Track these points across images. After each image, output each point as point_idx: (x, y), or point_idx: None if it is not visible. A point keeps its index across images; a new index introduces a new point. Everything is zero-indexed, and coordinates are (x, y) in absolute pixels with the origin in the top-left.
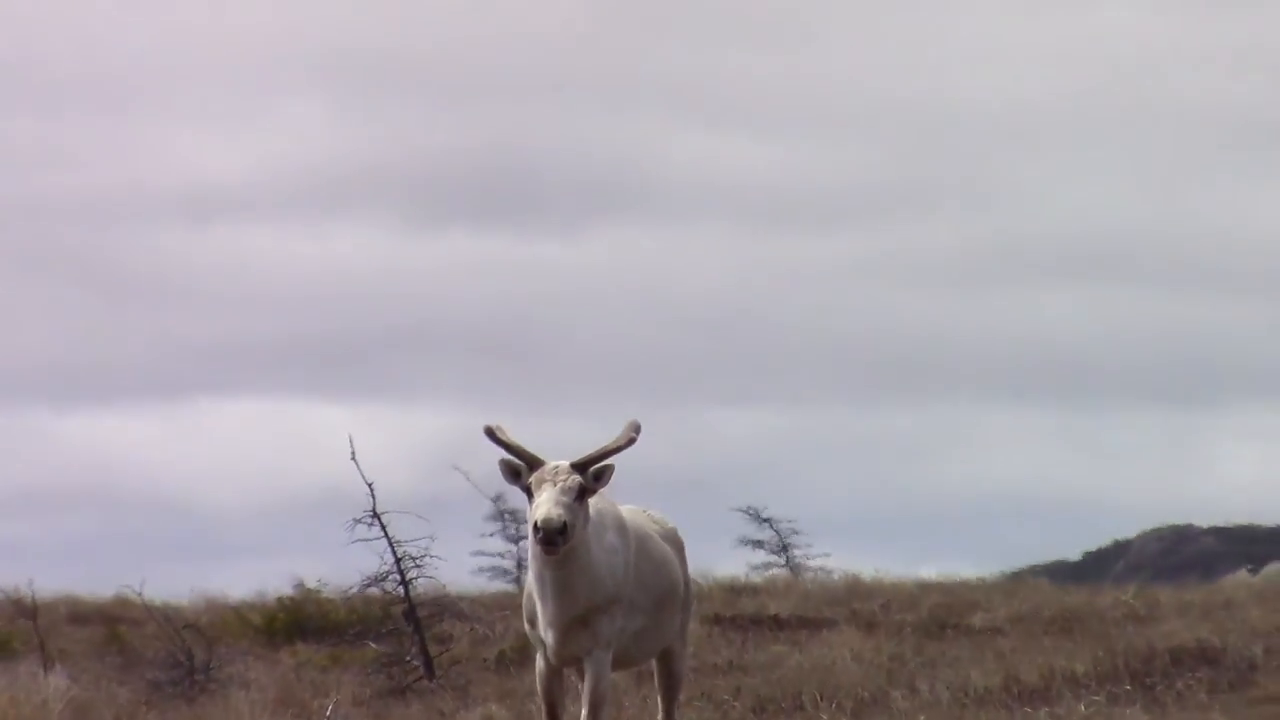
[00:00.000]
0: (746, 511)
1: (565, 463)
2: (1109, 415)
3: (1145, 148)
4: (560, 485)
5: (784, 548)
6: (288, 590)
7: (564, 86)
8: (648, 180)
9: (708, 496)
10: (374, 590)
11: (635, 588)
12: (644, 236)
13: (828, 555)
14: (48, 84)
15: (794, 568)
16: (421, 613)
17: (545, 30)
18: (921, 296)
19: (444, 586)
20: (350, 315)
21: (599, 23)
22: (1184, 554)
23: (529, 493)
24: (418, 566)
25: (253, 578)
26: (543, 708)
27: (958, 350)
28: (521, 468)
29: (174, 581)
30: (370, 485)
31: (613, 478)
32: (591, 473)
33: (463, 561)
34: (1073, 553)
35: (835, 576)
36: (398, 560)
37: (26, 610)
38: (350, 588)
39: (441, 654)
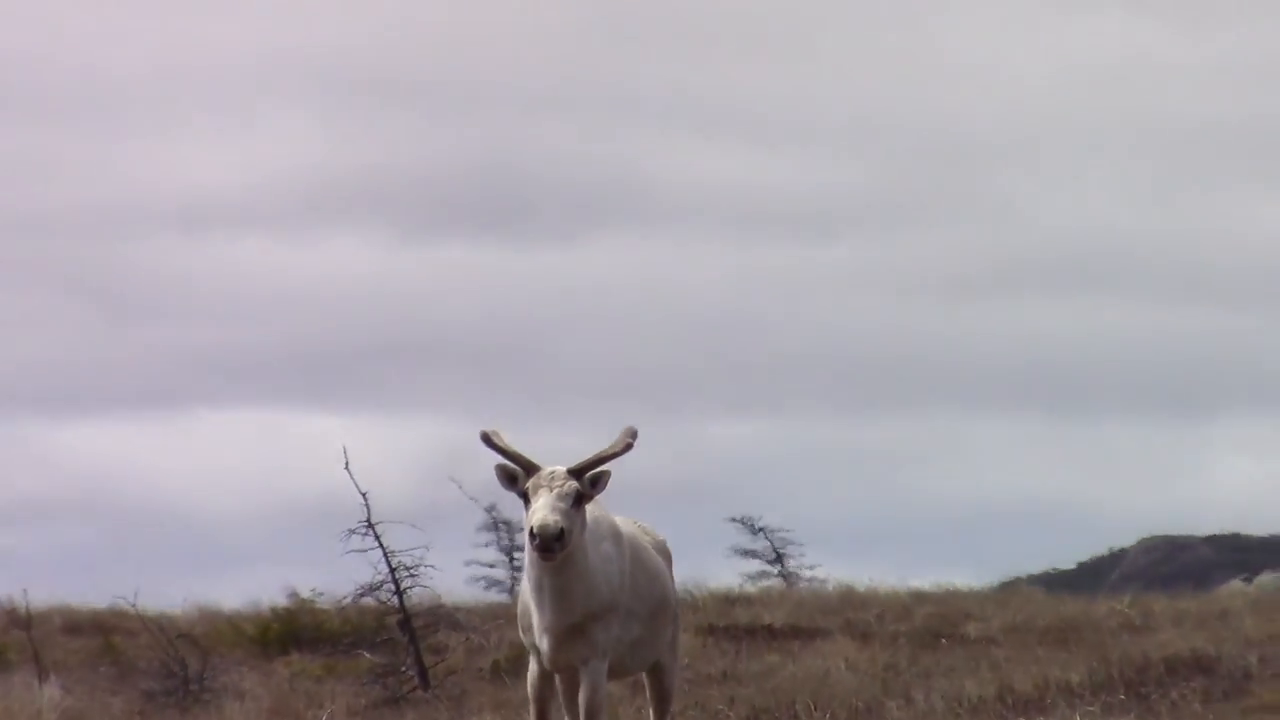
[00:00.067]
0: (740, 521)
1: (562, 468)
2: (1103, 425)
3: (1137, 159)
4: (557, 491)
5: (778, 557)
6: (282, 600)
7: (560, 97)
8: (642, 191)
9: (702, 506)
10: (369, 600)
11: (631, 596)
12: (639, 247)
13: (820, 566)
14: (43, 96)
15: (788, 577)
16: (416, 623)
17: (541, 41)
18: (916, 307)
19: (439, 596)
20: (345, 325)
21: (595, 34)
22: (1178, 563)
23: (525, 498)
24: (412, 576)
25: (247, 588)
26: (532, 713)
27: (952, 360)
28: (518, 473)
29: (168, 591)
30: (365, 495)
31: (608, 486)
32: (588, 478)
33: (457, 571)
34: (1067, 562)
35: (829, 586)
36: (392, 570)
37: (21, 621)
38: (345, 598)
39: (436, 664)
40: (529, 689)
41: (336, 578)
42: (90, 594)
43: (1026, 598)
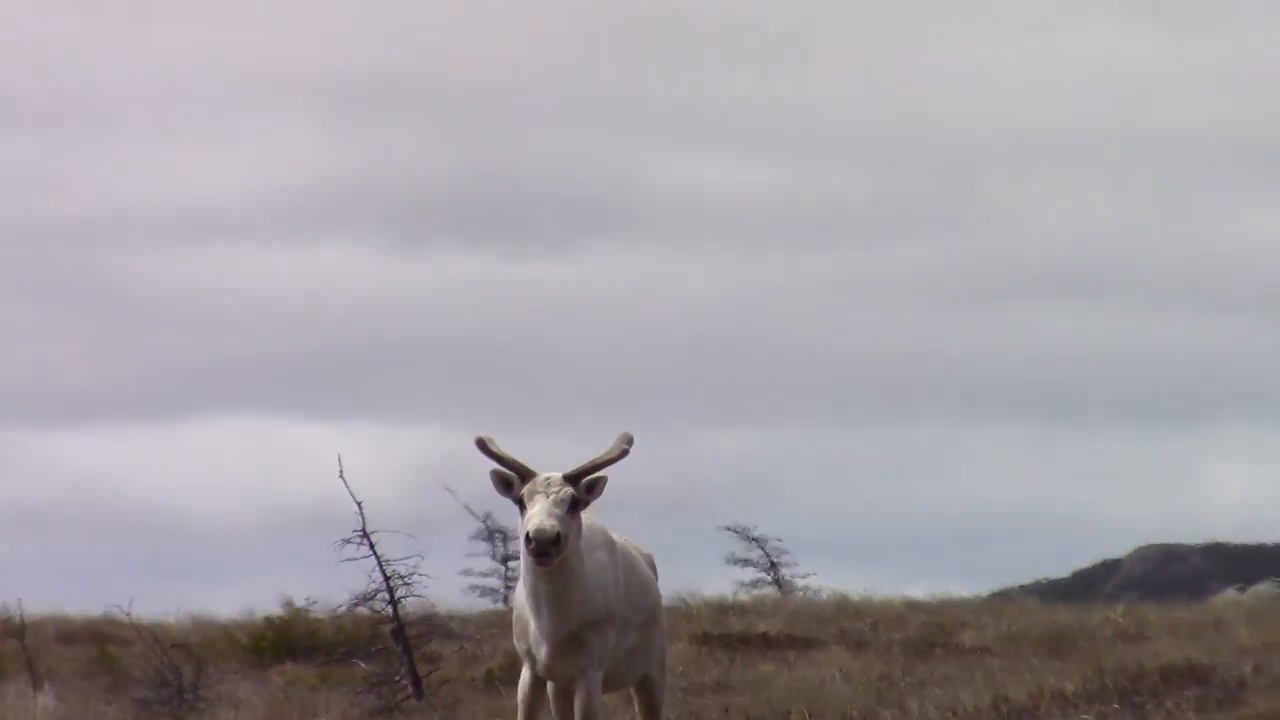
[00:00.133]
0: (734, 530)
1: (557, 474)
2: (1098, 434)
3: (1132, 169)
4: (553, 497)
5: (772, 566)
6: (276, 609)
7: (555, 106)
8: (635, 200)
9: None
10: (363, 609)
11: (626, 605)
12: (632, 256)
13: (815, 574)
14: (39, 106)
15: (782, 586)
16: (410, 632)
17: (535, 52)
18: (910, 316)
19: (433, 605)
20: (340, 334)
21: (590, 44)
22: (1173, 573)
23: (520, 504)
24: (406, 585)
25: (241, 597)
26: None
27: (946, 369)
28: (513, 479)
29: (162, 600)
30: (359, 504)
31: (604, 492)
32: (584, 484)
33: (452, 581)
34: (1062, 571)
35: (824, 595)
36: (386, 579)
37: (14, 629)
38: (339, 607)
39: (430, 673)
40: (519, 696)
41: (331, 587)
42: (85, 602)
43: (1021, 607)
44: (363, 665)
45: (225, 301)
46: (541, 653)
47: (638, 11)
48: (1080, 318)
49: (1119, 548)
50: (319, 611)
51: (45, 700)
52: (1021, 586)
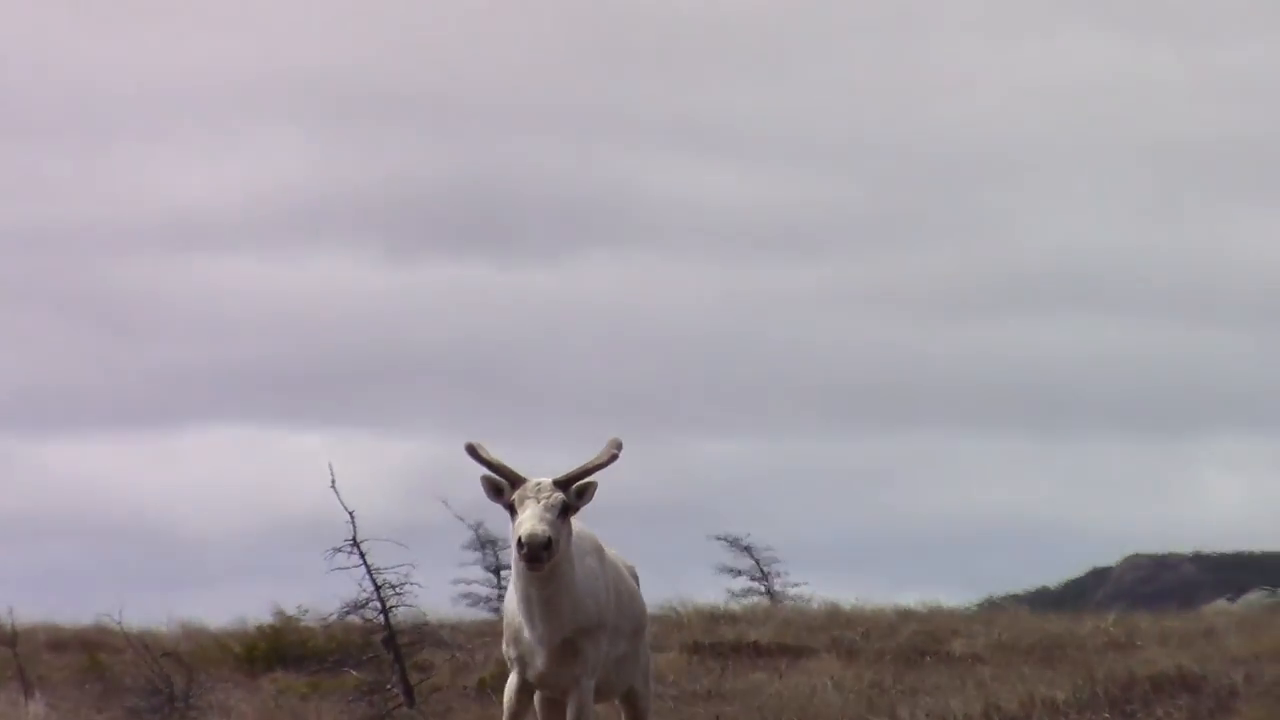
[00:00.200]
0: (726, 539)
1: (548, 479)
2: (1089, 443)
3: (1124, 178)
4: (544, 502)
5: (763, 575)
6: (268, 618)
7: (547, 115)
8: (628, 210)
9: (687, 524)
10: (354, 618)
11: (616, 613)
12: (626, 265)
13: (806, 583)
14: (30, 113)
15: (774, 595)
16: (402, 640)
17: (528, 60)
18: (900, 325)
19: (424, 614)
20: (332, 343)
21: (582, 52)
22: (1164, 582)
23: (511, 510)
24: (398, 594)
25: (233, 605)
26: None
27: (937, 379)
28: (503, 485)
29: (154, 609)
30: (351, 513)
31: (594, 497)
32: (574, 489)
33: (443, 589)
34: (1053, 580)
35: (815, 604)
36: (378, 588)
37: (6, 638)
38: (330, 615)
39: (422, 682)
40: (505, 700)
41: (322, 595)
42: (76, 611)
43: (1012, 615)
44: (354, 674)
45: (217, 310)
46: (537, 661)
47: (630, 20)
48: (1072, 328)
49: (1110, 557)
50: (310, 620)
51: (36, 708)
52: (1013, 595)
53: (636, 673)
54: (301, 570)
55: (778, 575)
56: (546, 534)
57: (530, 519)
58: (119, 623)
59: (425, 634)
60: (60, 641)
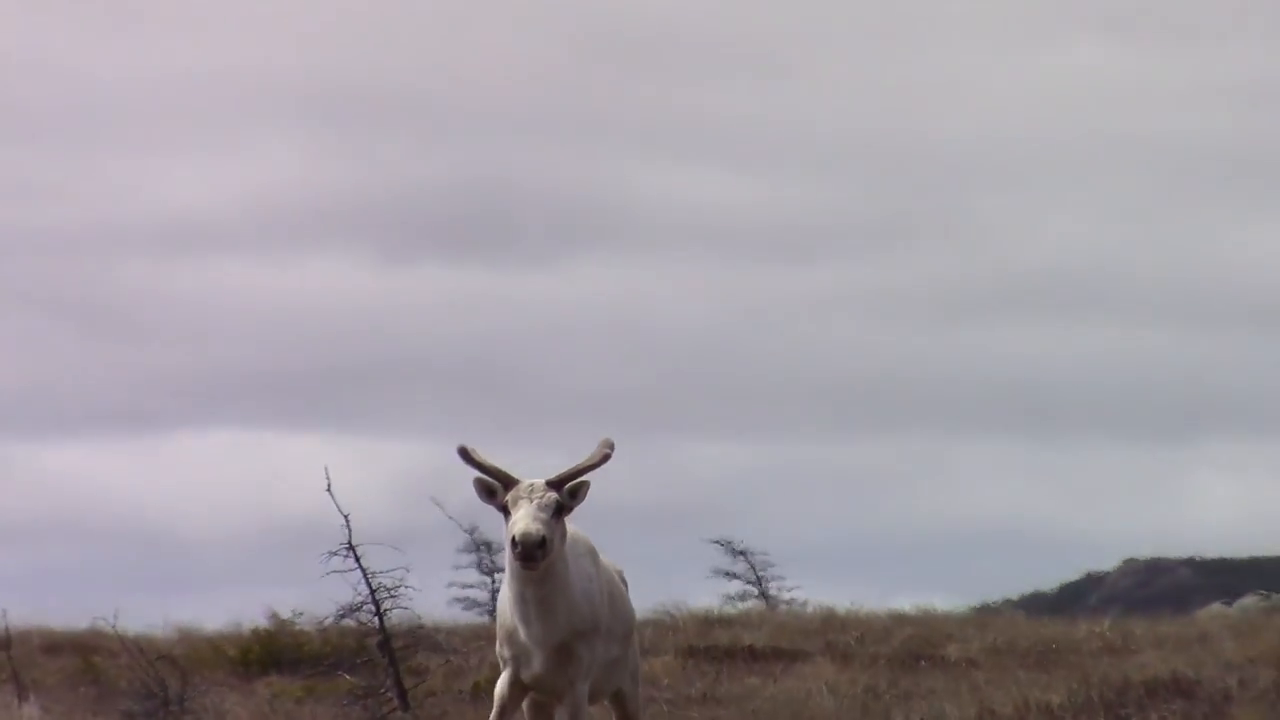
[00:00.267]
0: (720, 543)
1: (540, 480)
2: (1084, 447)
3: (1117, 182)
4: (537, 502)
5: (758, 579)
6: (263, 621)
7: (541, 119)
8: (623, 214)
9: (682, 527)
10: (349, 621)
11: (610, 616)
12: (619, 270)
13: (801, 587)
14: (22, 117)
15: (768, 599)
16: (396, 644)
17: (523, 64)
18: (896, 330)
19: (419, 618)
20: (327, 347)
21: (576, 58)
22: (1159, 586)
23: (505, 511)
24: (393, 598)
25: (227, 609)
26: (494, 715)
27: (932, 383)
28: (496, 486)
29: (148, 612)
30: (346, 517)
31: (587, 497)
32: (567, 490)
33: (438, 593)
34: (1047, 584)
35: (809, 608)
36: (372, 591)
37: (0, 641)
38: (325, 619)
39: (416, 686)
40: (497, 693)
41: (317, 599)
42: (70, 614)
43: (1007, 620)
44: (349, 677)
45: (212, 315)
46: (534, 663)
47: (625, 26)
48: (1066, 332)
49: (1105, 561)
50: (305, 624)
51: (30, 711)
52: (1007, 600)
53: (625, 674)
54: (297, 574)
55: (772, 579)
56: (541, 532)
57: (524, 518)
58: (114, 626)
59: (420, 638)
60: (55, 645)
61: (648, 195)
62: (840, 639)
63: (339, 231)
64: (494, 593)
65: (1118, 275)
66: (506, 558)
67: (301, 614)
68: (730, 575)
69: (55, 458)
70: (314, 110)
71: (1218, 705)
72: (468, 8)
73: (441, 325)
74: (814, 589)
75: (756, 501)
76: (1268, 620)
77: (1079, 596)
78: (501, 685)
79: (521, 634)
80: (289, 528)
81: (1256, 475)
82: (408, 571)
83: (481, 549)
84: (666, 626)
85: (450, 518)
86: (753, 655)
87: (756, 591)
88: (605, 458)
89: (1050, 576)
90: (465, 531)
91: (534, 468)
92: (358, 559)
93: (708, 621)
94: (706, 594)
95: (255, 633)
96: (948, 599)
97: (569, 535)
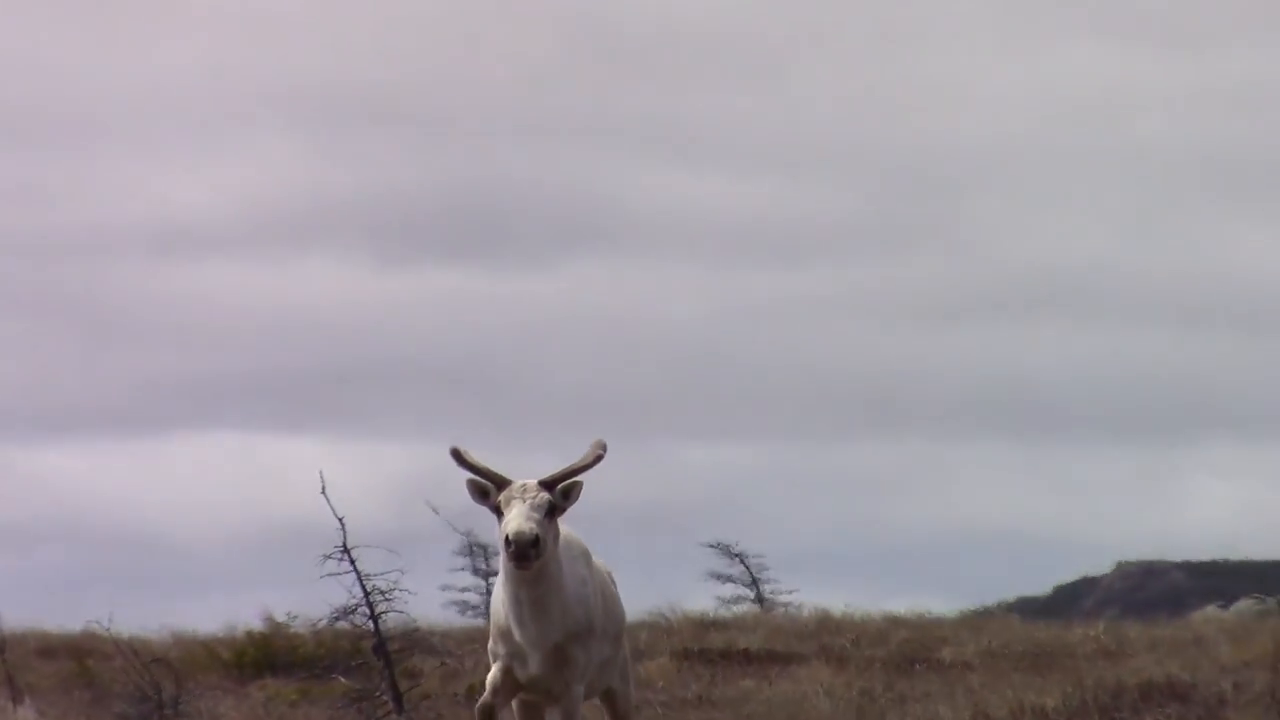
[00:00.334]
0: (716, 546)
1: (533, 480)
2: (1079, 451)
3: (1114, 186)
4: (530, 501)
5: (753, 582)
6: (257, 624)
7: (537, 122)
8: (618, 215)
9: (677, 531)
10: (344, 624)
11: (604, 618)
12: (615, 271)
13: (796, 590)
14: (17, 120)
15: (763, 602)
16: (391, 647)
17: (518, 67)
18: (890, 332)
19: (414, 621)
20: (322, 350)
21: (571, 59)
22: (1154, 590)
23: (498, 512)
24: (387, 601)
25: (222, 612)
26: (481, 705)
27: (928, 386)
28: (489, 488)
29: (143, 615)
30: (341, 520)
31: (580, 498)
32: (560, 490)
33: (433, 596)
34: (1042, 588)
35: (805, 611)
36: (367, 594)
37: None
38: (320, 622)
39: (411, 689)
40: (489, 681)
41: (312, 602)
42: (65, 617)
43: (1002, 623)
44: (343, 680)
45: (208, 317)
46: (530, 664)
47: (622, 29)
48: (1062, 335)
49: (1099, 565)
50: (300, 627)
51: (25, 714)
52: (1002, 603)
53: (614, 673)
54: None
55: (767, 582)
56: (534, 531)
57: (517, 517)
58: (108, 629)
59: (415, 640)
60: (49, 648)
61: (643, 197)
62: (835, 642)
63: (335, 234)
64: (489, 595)
65: (1113, 279)
66: (500, 559)
67: (296, 617)
68: (725, 578)
69: (50, 460)
70: (310, 113)
71: (1212, 709)
72: (464, 9)
73: (437, 328)
74: (809, 592)
75: (752, 504)
76: (1262, 624)
77: (1074, 599)
78: (495, 674)
79: (516, 635)
80: (284, 530)
81: (1251, 478)
82: (403, 574)
83: (476, 551)
84: (662, 629)
85: (445, 520)
86: (748, 658)
87: (752, 594)
88: (598, 458)
89: (1045, 579)
90: (460, 534)
91: (530, 470)
92: (353, 562)
93: (703, 624)
94: (702, 597)
95: (250, 635)
96: (943, 602)
97: (563, 537)
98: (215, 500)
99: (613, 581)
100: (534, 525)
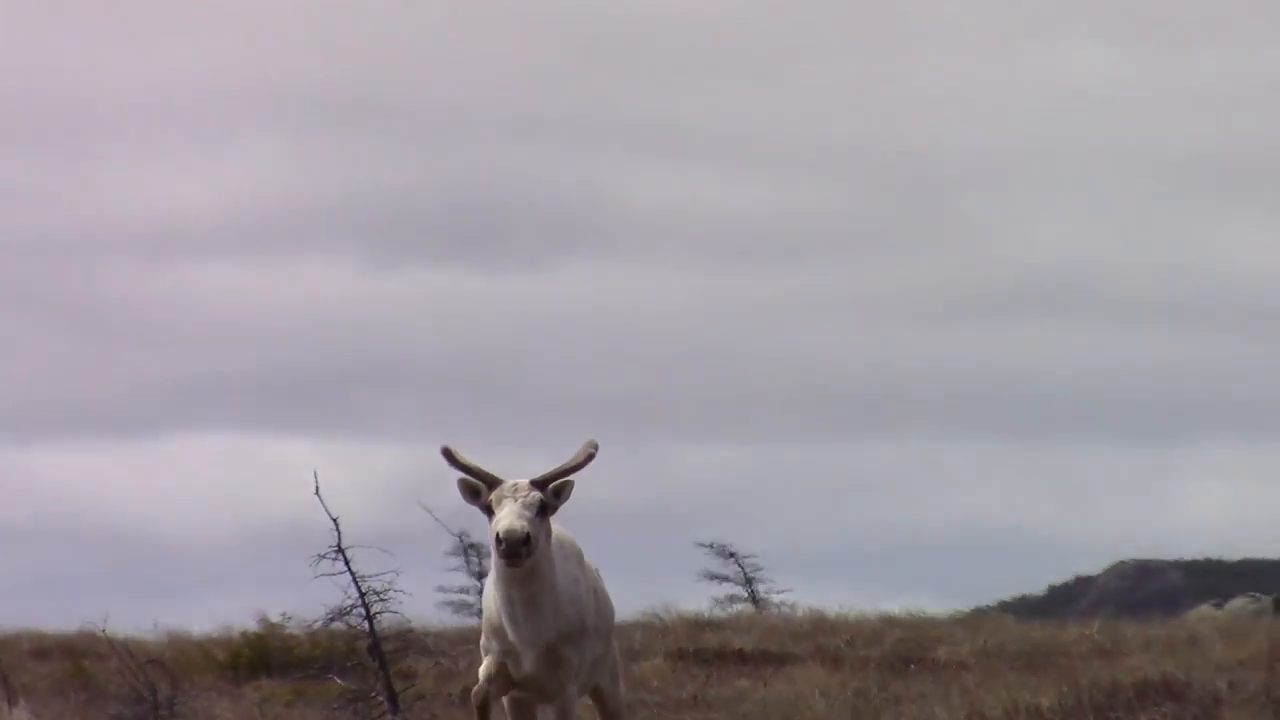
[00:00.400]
0: (711, 546)
1: (524, 480)
2: (1073, 450)
3: (1107, 185)
4: (521, 500)
5: (748, 582)
6: (252, 625)
7: (530, 122)
8: (612, 215)
9: (671, 531)
10: (338, 625)
11: (596, 616)
12: (607, 271)
13: (791, 590)
14: (13, 121)
15: (758, 602)
16: (386, 647)
17: (511, 67)
18: (887, 332)
19: (409, 621)
20: (316, 350)
21: (565, 59)
22: (1149, 589)
23: (489, 511)
24: (382, 601)
25: (217, 613)
26: (476, 698)
27: (922, 385)
28: (480, 487)
29: (138, 616)
30: (335, 520)
31: (571, 495)
32: (551, 489)
33: (427, 596)
34: (1037, 587)
35: (800, 611)
36: (362, 595)
37: None
38: (314, 622)
39: (406, 689)
40: (482, 672)
41: (307, 603)
42: (60, 618)
43: (997, 623)
44: (338, 681)
45: (201, 318)
46: (524, 663)
47: (613, 26)
48: (1057, 334)
49: (1095, 564)
50: (295, 627)
51: (20, 716)
52: (997, 603)
53: (604, 671)
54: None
55: (762, 582)
56: (525, 529)
57: (508, 515)
58: (103, 630)
59: (410, 641)
60: (44, 649)
61: (638, 198)
62: (830, 642)
63: (328, 235)
64: (483, 594)
65: (1109, 279)
66: (492, 558)
67: (291, 618)
68: (720, 578)
69: (45, 461)
70: (304, 113)
71: (1207, 708)
72: (460, 10)
73: (430, 328)
74: (804, 592)
75: (746, 504)
76: (1257, 623)
77: (1069, 599)
78: (489, 664)
79: (510, 634)
80: (278, 531)
81: (1246, 477)
82: (397, 575)
83: (470, 552)
84: (656, 629)
85: (439, 520)
86: (742, 658)
87: (746, 594)
88: (589, 458)
89: (1040, 579)
90: (454, 534)
91: (523, 470)
92: (347, 562)
93: (697, 624)
94: (696, 597)
95: (244, 636)
96: (937, 602)
97: (555, 537)
98: (210, 500)
99: (599, 578)
100: (525, 523)
